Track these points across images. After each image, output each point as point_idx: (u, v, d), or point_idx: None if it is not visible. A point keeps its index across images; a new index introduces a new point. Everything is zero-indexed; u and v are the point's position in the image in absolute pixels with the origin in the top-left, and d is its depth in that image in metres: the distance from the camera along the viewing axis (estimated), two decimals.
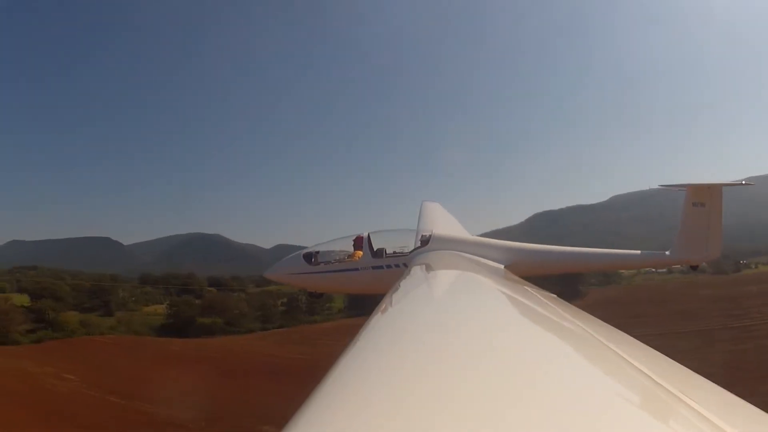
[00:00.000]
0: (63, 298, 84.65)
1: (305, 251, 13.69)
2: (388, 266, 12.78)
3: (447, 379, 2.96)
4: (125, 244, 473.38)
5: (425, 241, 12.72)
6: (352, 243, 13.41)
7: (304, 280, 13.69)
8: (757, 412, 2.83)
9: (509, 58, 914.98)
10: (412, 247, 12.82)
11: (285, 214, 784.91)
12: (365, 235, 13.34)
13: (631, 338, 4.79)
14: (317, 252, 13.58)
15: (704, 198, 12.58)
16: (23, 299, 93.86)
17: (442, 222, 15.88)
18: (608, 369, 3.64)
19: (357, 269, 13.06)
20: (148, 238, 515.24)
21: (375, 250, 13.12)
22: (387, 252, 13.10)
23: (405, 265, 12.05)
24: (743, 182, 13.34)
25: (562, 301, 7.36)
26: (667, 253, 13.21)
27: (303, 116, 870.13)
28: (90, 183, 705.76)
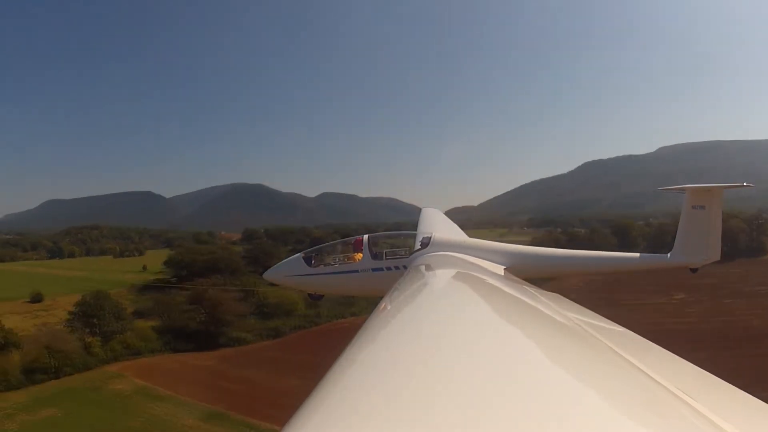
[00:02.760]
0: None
1: (305, 253, 13.84)
2: (388, 268, 12.80)
3: (447, 378, 2.98)
4: (167, 197, 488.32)
5: (425, 244, 12.72)
6: (352, 245, 13.51)
7: (304, 282, 13.68)
8: (758, 409, 2.93)
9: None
10: (412, 250, 12.84)
11: (328, 162, 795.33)
12: (365, 237, 13.39)
13: (632, 334, 4.91)
14: (317, 254, 13.71)
15: (704, 200, 12.49)
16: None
17: (442, 226, 15.99)
18: (608, 368, 3.69)
19: (357, 271, 13.11)
20: (190, 190, 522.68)
21: (374, 252, 13.15)
22: (386, 254, 13.12)
23: (405, 267, 12.11)
24: (744, 184, 12.88)
25: (562, 300, 7.39)
26: (668, 255, 13.00)
27: (347, 70, 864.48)
28: (129, 138, 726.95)
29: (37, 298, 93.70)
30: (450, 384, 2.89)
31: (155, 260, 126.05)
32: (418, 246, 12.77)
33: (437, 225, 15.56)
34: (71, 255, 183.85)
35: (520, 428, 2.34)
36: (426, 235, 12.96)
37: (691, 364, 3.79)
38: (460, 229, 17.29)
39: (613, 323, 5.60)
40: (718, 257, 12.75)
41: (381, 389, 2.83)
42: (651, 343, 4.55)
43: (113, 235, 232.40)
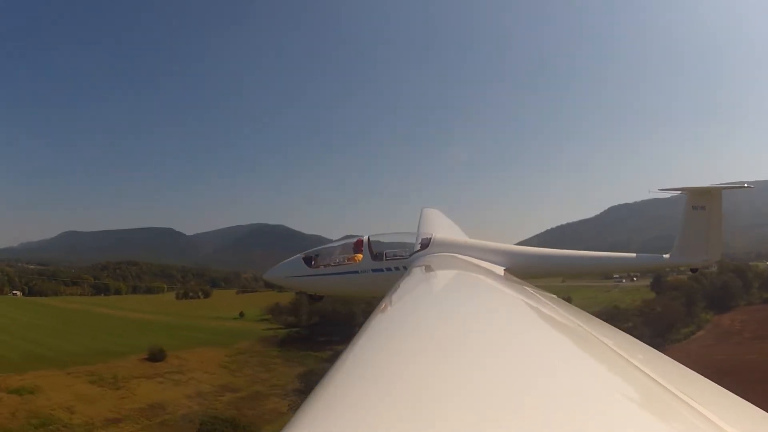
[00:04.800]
0: None
1: (305, 254, 13.83)
2: (388, 269, 12.81)
3: (447, 378, 3.03)
4: (188, 234, 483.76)
5: (425, 245, 12.81)
6: (352, 246, 13.47)
7: (304, 283, 13.69)
8: (757, 411, 2.90)
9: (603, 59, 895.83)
10: (412, 251, 12.85)
11: (350, 205, 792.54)
12: (365, 238, 13.41)
13: (632, 338, 4.81)
14: (317, 255, 13.73)
15: (704, 201, 12.63)
16: None
17: (443, 227, 15.96)
18: (608, 369, 3.66)
19: (357, 272, 13.13)
20: (210, 229, 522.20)
21: (375, 253, 13.18)
22: (387, 255, 13.11)
23: (405, 268, 12.13)
24: (745, 185, 13.03)
25: (562, 301, 7.34)
26: (665, 256, 13.24)
27: (367, 112, 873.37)
28: (151, 175, 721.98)
29: (158, 356, 76.13)
30: (450, 384, 2.90)
31: (229, 303, 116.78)
32: (418, 247, 12.75)
33: (437, 225, 15.38)
34: (117, 292, 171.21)
35: (520, 428, 2.36)
36: (426, 236, 12.97)
37: (689, 369, 3.71)
38: (460, 230, 17.12)
39: (611, 326, 5.46)
40: (718, 258, 13.20)
41: (381, 389, 2.83)
42: (649, 346, 4.48)
43: (153, 271, 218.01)
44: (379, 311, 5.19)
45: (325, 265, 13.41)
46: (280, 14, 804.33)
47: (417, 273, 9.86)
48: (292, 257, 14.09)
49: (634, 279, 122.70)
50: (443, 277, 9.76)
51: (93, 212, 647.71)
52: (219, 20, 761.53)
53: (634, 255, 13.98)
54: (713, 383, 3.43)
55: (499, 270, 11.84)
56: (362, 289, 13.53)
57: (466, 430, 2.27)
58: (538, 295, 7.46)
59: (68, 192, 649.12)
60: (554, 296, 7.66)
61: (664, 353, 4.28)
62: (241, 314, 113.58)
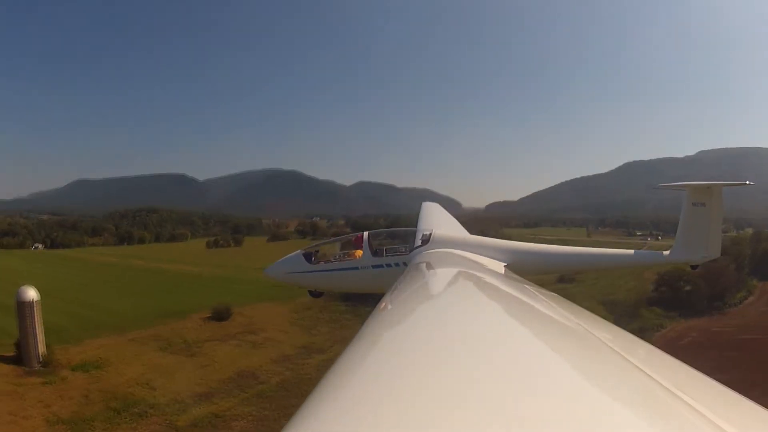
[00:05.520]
0: None
1: (305, 250, 13.82)
2: (388, 265, 12.78)
3: (447, 377, 2.97)
4: (200, 179, 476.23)
5: (425, 241, 12.73)
6: (352, 242, 13.51)
7: (304, 278, 13.66)
8: (758, 409, 2.83)
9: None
10: (412, 247, 12.79)
11: (363, 150, 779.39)
12: (365, 234, 13.40)
13: (631, 336, 4.72)
14: (317, 251, 13.79)
15: (704, 198, 12.53)
16: None
17: (442, 222, 15.80)
18: (607, 367, 3.62)
19: (357, 268, 13.08)
20: (222, 174, 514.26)
21: (375, 249, 13.14)
22: (387, 251, 13.11)
23: (405, 264, 12.09)
24: (747, 182, 12.80)
25: (562, 299, 7.32)
26: (665, 253, 13.23)
27: (386, 58, 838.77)
28: (160, 119, 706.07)
29: (224, 314, 67.58)
30: (450, 383, 2.90)
31: (263, 252, 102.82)
32: (418, 243, 12.75)
33: (437, 221, 15.51)
34: (141, 241, 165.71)
35: (520, 426, 2.37)
36: (426, 232, 12.99)
37: (688, 366, 3.73)
38: (460, 225, 16.96)
39: (610, 324, 5.48)
40: (718, 254, 13.05)
41: (382, 388, 2.84)
42: (648, 344, 4.53)
43: (173, 218, 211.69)
44: (379, 310, 5.13)
45: (325, 261, 13.43)
46: None
47: (417, 270, 9.87)
48: (292, 253, 14.17)
49: (659, 238, 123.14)
50: (443, 274, 9.63)
51: (104, 160, 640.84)
52: None
53: (632, 252, 13.82)
54: (712, 380, 3.40)
55: (500, 266, 11.79)
56: (362, 284, 13.48)
57: (466, 429, 2.30)
58: (537, 293, 7.48)
59: (78, 140, 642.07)
60: (554, 294, 7.69)
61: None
62: None
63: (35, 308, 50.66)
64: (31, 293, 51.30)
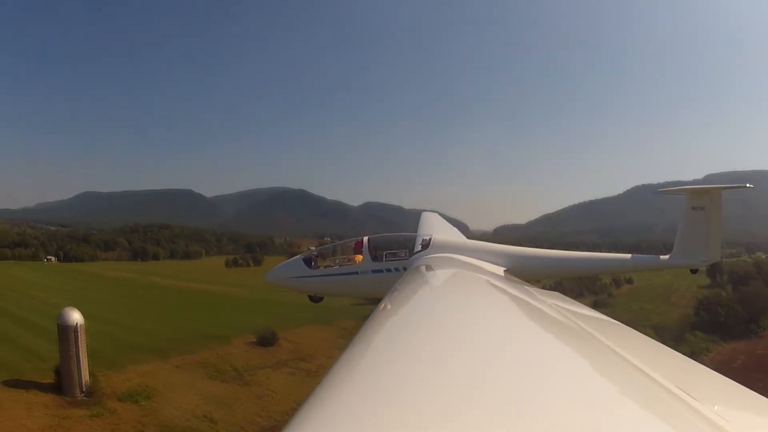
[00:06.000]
0: None
1: (305, 255, 13.88)
2: (388, 270, 12.70)
3: (446, 379, 2.96)
4: (208, 196, 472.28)
5: (425, 246, 12.73)
6: (352, 247, 13.42)
7: (305, 283, 13.58)
8: (760, 399, 2.87)
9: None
10: (412, 252, 12.72)
11: (371, 171, 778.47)
12: (365, 239, 13.36)
13: (630, 336, 4.73)
14: (317, 256, 13.71)
15: (704, 202, 12.52)
16: None
17: (442, 229, 15.89)
18: (608, 367, 3.62)
19: (357, 273, 13.04)
20: (230, 191, 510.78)
21: (375, 254, 13.08)
22: (387, 256, 13.03)
23: (405, 269, 12.03)
24: (747, 185, 12.95)
25: (564, 298, 7.35)
26: (663, 257, 13.28)
27: (391, 75, 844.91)
28: (172, 135, 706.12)
29: (270, 339, 62.61)
30: (450, 384, 2.87)
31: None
32: (418, 248, 12.75)
33: (437, 228, 15.50)
34: (155, 257, 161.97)
35: (520, 427, 2.37)
36: (426, 237, 13.01)
37: (692, 361, 3.75)
38: (459, 232, 17.17)
39: (614, 321, 5.48)
40: (717, 258, 13.23)
41: (381, 389, 2.82)
42: (650, 340, 4.51)
43: (185, 234, 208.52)
44: (378, 312, 5.07)
45: (325, 266, 13.42)
46: None
47: (417, 274, 9.72)
48: (292, 258, 14.49)
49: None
50: (443, 277, 9.59)
51: (110, 173, 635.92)
52: None
53: (629, 256, 13.79)
54: (713, 371, 3.45)
55: (499, 271, 11.82)
56: (362, 289, 13.52)
57: (466, 429, 2.29)
58: (538, 294, 7.47)
59: (85, 152, 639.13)
60: (557, 293, 7.82)
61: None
62: None
63: (79, 332, 45.79)
64: (75, 316, 46.34)
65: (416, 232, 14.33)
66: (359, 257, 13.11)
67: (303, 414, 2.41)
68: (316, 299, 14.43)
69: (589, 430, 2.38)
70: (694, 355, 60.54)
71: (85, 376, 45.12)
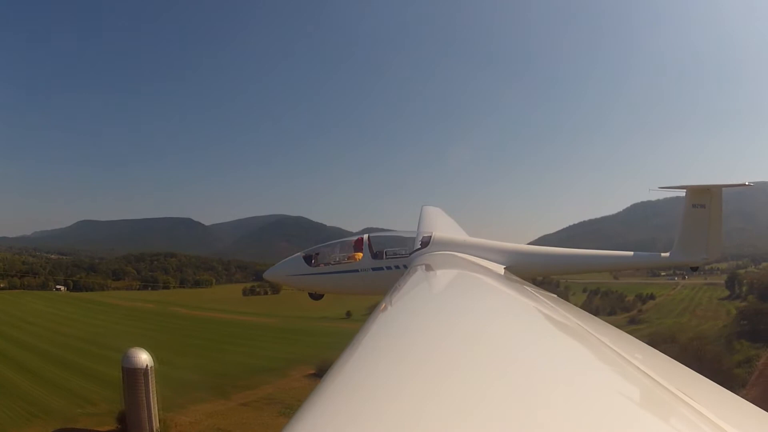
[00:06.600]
0: None
1: (305, 253, 13.70)
2: (388, 267, 12.73)
3: (447, 378, 2.94)
4: (206, 224, 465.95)
5: (425, 243, 12.62)
6: (352, 244, 13.36)
7: (305, 281, 13.57)
8: (757, 410, 2.85)
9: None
10: (413, 249, 12.62)
11: (368, 198, 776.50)
12: (365, 236, 13.42)
13: (631, 337, 4.70)
14: (317, 253, 13.59)
15: (704, 199, 12.56)
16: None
17: (443, 225, 15.79)
18: (607, 368, 3.62)
19: (357, 270, 13.03)
20: (228, 219, 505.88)
21: (375, 251, 13.07)
22: (387, 253, 13.02)
23: (405, 266, 11.99)
24: (747, 183, 12.79)
25: (562, 300, 7.19)
26: (664, 254, 13.21)
27: (388, 101, 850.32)
28: (167, 163, 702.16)
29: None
30: (450, 383, 2.86)
31: (307, 300, 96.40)
32: (418, 245, 12.69)
33: (438, 224, 15.47)
34: (166, 286, 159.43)
35: (520, 427, 2.35)
36: (426, 234, 12.92)
37: (687, 368, 3.75)
38: (460, 228, 17.11)
39: (610, 326, 5.44)
40: (718, 256, 13.16)
41: (381, 389, 2.80)
42: (647, 345, 4.51)
43: (192, 263, 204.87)
44: (379, 311, 5.02)
45: (325, 264, 13.39)
46: (294, 13, 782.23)
47: (417, 272, 9.68)
48: (292, 256, 14.08)
49: (686, 277, 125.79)
50: (443, 276, 9.63)
51: (108, 201, 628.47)
52: (235, 13, 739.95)
53: (631, 253, 13.77)
54: (712, 382, 3.39)
55: (500, 268, 11.78)
56: (362, 287, 13.40)
57: (466, 429, 2.29)
58: (537, 294, 7.45)
59: (82, 180, 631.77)
60: (554, 296, 7.57)
61: None
62: (348, 314, 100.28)
63: (150, 375, 41.89)
64: (144, 358, 42.74)
65: (416, 230, 14.08)
66: (359, 255, 13.12)
67: (303, 414, 2.33)
68: (316, 297, 14.50)
69: (591, 430, 2.34)
70: (747, 362, 66.71)
71: (156, 423, 40.67)
